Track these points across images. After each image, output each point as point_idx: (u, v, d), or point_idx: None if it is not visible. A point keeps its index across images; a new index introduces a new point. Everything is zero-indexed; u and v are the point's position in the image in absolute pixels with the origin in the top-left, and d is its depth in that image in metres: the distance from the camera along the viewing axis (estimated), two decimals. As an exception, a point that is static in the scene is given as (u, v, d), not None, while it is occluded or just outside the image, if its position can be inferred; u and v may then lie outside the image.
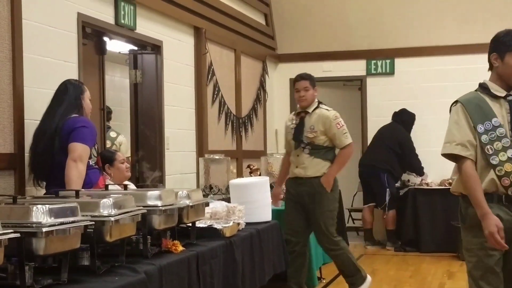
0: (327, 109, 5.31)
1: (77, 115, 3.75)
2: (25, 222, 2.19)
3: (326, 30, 8.87)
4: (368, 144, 8.70)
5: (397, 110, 8.56)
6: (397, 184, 8.42)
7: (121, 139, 6.67)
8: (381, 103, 8.87)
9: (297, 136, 5.21)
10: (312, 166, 5.15)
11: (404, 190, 8.27)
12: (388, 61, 8.90)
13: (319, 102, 5.34)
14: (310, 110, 5.27)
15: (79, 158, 3.55)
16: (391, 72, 8.90)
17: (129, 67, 5.86)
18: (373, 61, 8.94)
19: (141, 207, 2.84)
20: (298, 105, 5.41)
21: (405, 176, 8.49)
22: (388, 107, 8.79)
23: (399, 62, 8.85)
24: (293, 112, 5.53)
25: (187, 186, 5.93)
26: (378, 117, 8.83)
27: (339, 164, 5.21)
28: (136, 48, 5.74)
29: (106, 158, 4.60)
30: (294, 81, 5.40)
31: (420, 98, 8.71)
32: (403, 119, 8.44)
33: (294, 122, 5.32)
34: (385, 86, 8.91)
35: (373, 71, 8.96)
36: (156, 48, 5.76)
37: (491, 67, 3.23)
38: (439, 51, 8.64)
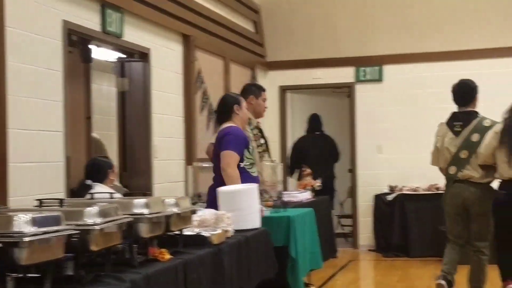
0: None
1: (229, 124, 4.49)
2: (7, 232, 2.15)
3: (316, 37, 8.89)
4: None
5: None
6: (386, 190, 8.43)
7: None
8: (370, 110, 8.88)
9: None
10: None
11: (393, 195, 8.28)
12: (376, 68, 8.92)
13: None
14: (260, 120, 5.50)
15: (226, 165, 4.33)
16: (380, 79, 8.91)
17: (116, 75, 5.84)
18: (361, 68, 8.96)
19: (128, 216, 2.81)
20: (255, 117, 5.36)
21: (393, 182, 8.50)
22: (376, 114, 8.82)
23: (387, 69, 8.87)
24: (252, 126, 5.36)
25: (176, 194, 5.87)
26: (367, 124, 8.85)
27: None
28: (123, 56, 5.71)
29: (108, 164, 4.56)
30: (262, 91, 5.48)
31: (408, 104, 8.73)
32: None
33: (255, 134, 5.32)
34: (373, 93, 8.92)
35: (361, 78, 8.97)
36: (143, 55, 5.73)
37: None
38: (427, 57, 8.67)
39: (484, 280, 5.04)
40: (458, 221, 5.04)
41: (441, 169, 5.21)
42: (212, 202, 4.38)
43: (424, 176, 8.31)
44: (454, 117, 5.10)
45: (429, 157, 5.38)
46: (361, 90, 8.97)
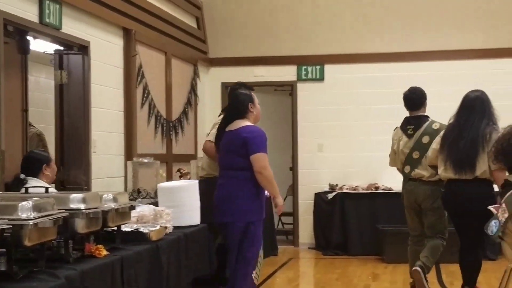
0: None
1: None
2: None
3: (258, 35, 8.90)
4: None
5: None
6: (326, 189, 8.52)
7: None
8: (311, 109, 8.96)
9: None
10: None
11: (333, 194, 8.37)
12: (318, 67, 9.00)
13: None
14: None
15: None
16: (321, 78, 9.00)
17: (54, 68, 5.70)
18: (303, 67, 9.02)
19: (63, 210, 2.75)
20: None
21: (334, 181, 8.60)
22: (317, 112, 8.91)
23: (328, 68, 8.97)
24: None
25: (115, 190, 5.80)
26: (309, 123, 8.92)
27: None
28: (62, 48, 5.58)
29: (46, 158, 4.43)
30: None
31: (348, 104, 8.84)
32: None
33: None
34: (315, 91, 9.00)
35: (303, 77, 9.04)
36: (83, 48, 5.61)
37: None
38: (368, 58, 8.80)
39: (431, 264, 5.23)
40: (413, 216, 5.54)
41: (398, 169, 5.69)
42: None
43: (364, 175, 8.45)
44: (406, 122, 5.59)
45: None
46: (302, 89, 9.04)
